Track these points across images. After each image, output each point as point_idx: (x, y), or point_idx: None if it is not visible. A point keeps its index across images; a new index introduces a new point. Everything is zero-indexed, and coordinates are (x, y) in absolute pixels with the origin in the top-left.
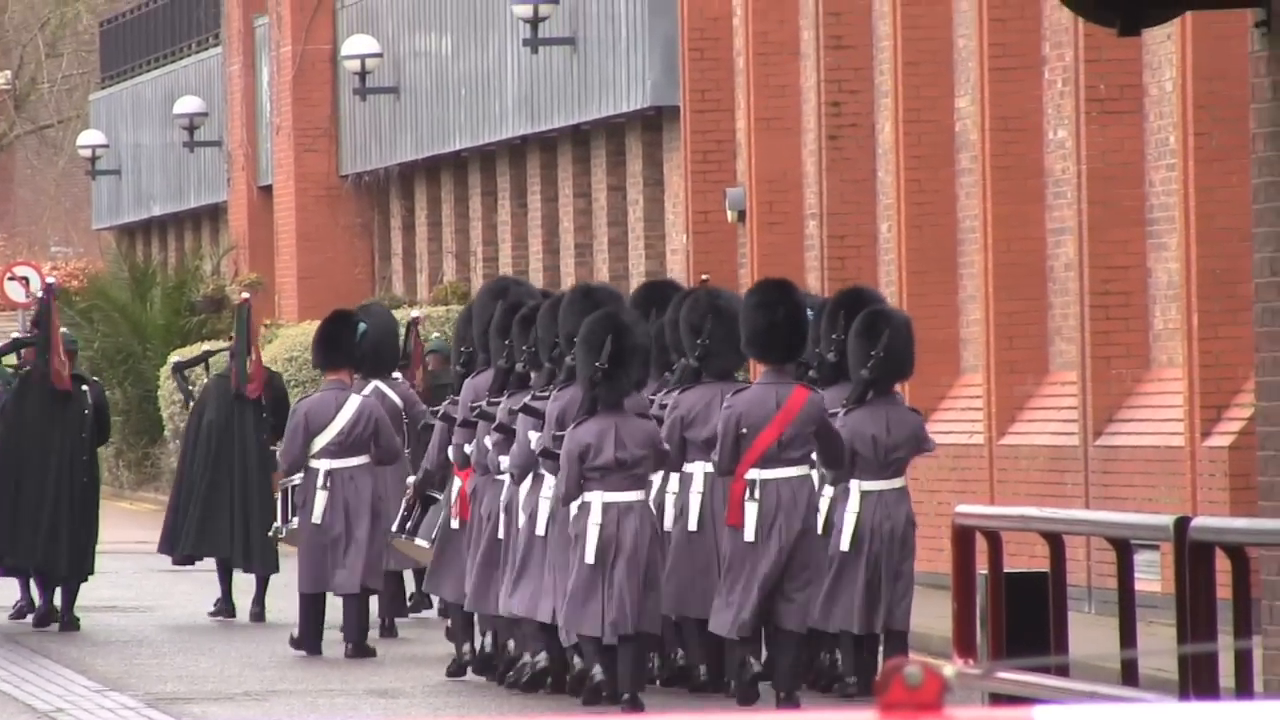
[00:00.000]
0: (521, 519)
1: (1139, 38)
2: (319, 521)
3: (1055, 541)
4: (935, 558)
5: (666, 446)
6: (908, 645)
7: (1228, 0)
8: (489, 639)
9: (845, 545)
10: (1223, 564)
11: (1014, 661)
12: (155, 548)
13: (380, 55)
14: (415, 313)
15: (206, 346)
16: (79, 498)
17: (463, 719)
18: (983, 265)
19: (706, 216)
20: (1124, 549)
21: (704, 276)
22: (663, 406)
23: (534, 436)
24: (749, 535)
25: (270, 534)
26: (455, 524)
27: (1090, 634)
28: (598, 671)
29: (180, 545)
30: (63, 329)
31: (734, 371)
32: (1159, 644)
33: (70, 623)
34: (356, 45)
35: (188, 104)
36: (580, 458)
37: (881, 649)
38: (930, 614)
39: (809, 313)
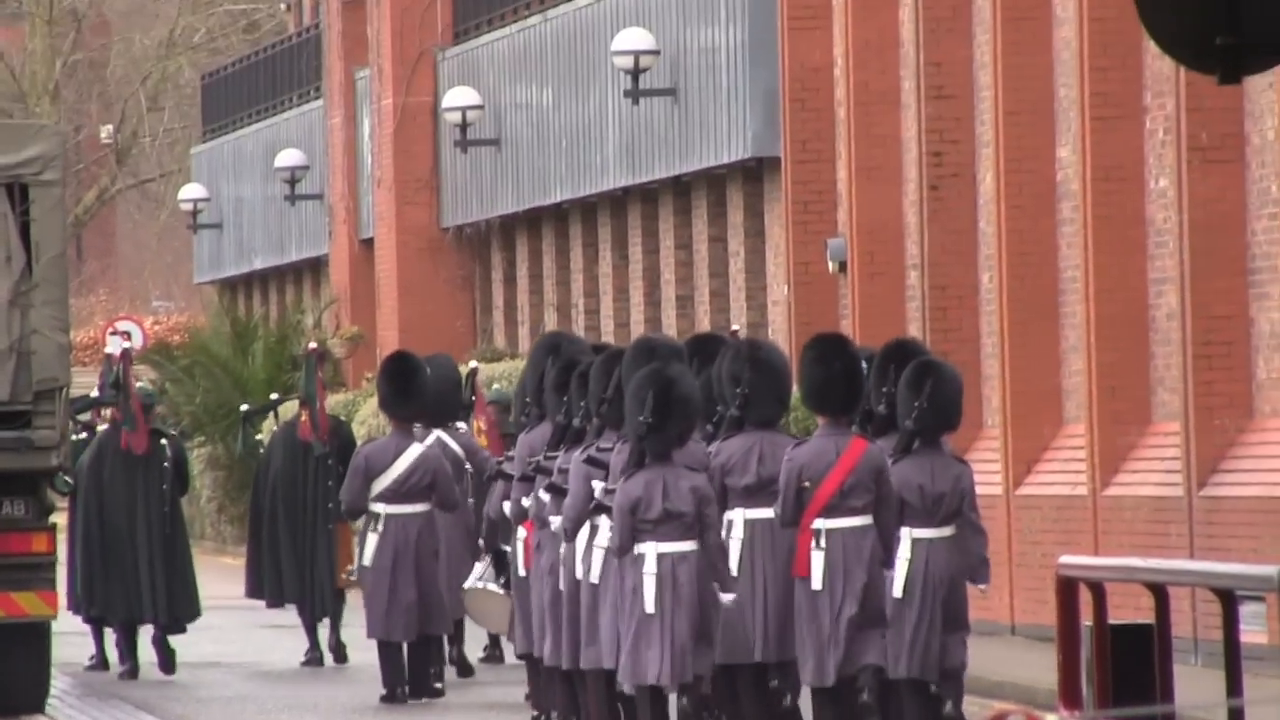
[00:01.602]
0: (579, 570)
1: (1240, 86)
2: (368, 565)
3: (1160, 592)
4: (1039, 609)
5: (711, 494)
6: (962, 685)
7: None
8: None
9: (898, 593)
10: None
11: (1120, 711)
12: (245, 593)
13: (481, 107)
14: (474, 363)
15: (274, 395)
16: (165, 549)
17: None
18: (1085, 315)
19: (808, 267)
20: (1229, 600)
21: (734, 328)
22: (708, 455)
23: (598, 486)
24: (816, 584)
25: (344, 576)
26: (523, 572)
27: (1196, 685)
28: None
29: (273, 592)
30: (139, 383)
31: (775, 421)
32: (1266, 695)
33: (168, 666)
34: (457, 97)
35: (289, 157)
36: (631, 511)
37: (934, 688)
38: (1036, 665)
39: (864, 366)
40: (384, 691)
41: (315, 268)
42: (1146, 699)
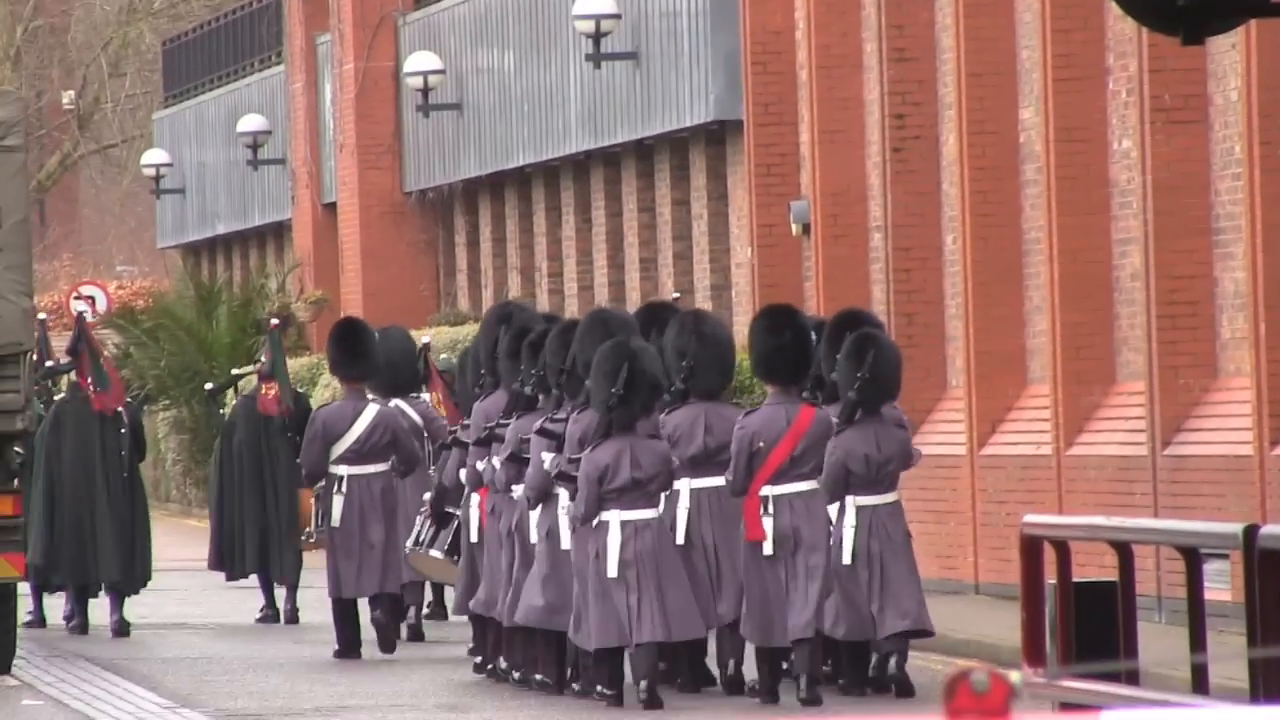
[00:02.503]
0: (534, 536)
1: (1203, 47)
2: (338, 525)
3: (1124, 551)
4: (1003, 569)
5: (676, 464)
6: (907, 644)
7: None
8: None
9: (847, 559)
10: None
11: (1083, 667)
12: (209, 565)
13: (443, 72)
14: (425, 338)
15: (235, 370)
16: (122, 514)
17: None
18: (1048, 276)
19: (771, 230)
20: (1193, 558)
21: (675, 295)
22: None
23: (548, 458)
24: (768, 549)
25: (303, 538)
26: (475, 537)
27: (1160, 643)
28: (606, 689)
29: (237, 565)
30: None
31: (719, 392)
32: (1229, 652)
33: (121, 629)
34: (419, 62)
35: (251, 122)
36: (599, 479)
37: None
38: (999, 624)
39: (813, 335)
40: (338, 648)
41: (278, 232)
42: (1111, 656)
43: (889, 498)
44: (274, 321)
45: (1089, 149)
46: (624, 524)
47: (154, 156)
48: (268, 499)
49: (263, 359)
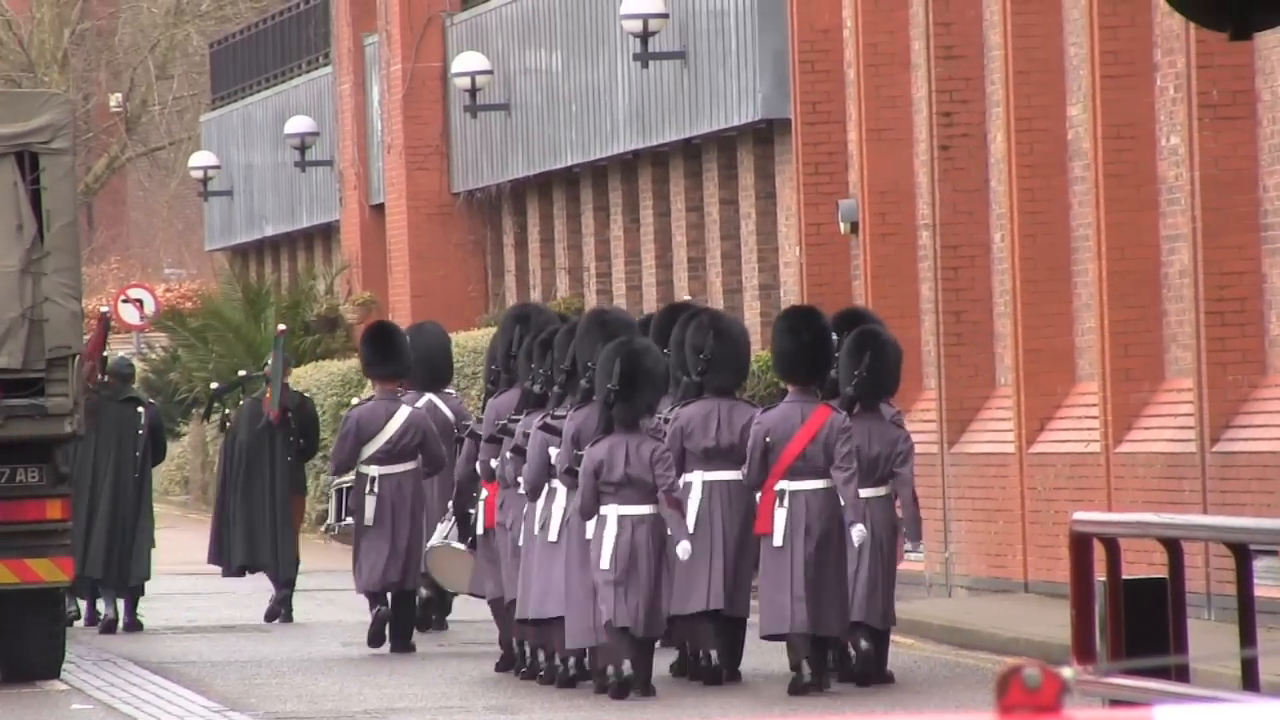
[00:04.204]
0: (536, 528)
1: (1251, 42)
2: (370, 524)
3: (1173, 547)
4: (1052, 567)
5: (664, 455)
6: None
7: None
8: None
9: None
10: None
11: (1133, 662)
12: (208, 559)
13: (490, 72)
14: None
15: (242, 372)
16: (131, 515)
17: None
18: (1097, 273)
19: (819, 229)
20: (1242, 554)
21: (686, 297)
22: (665, 420)
23: (553, 453)
24: (778, 541)
25: (324, 530)
26: (481, 530)
27: (1210, 640)
28: (625, 668)
29: (233, 559)
30: (120, 353)
31: (733, 389)
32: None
33: (108, 627)
34: (466, 63)
35: (298, 124)
36: (595, 473)
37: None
38: (1048, 622)
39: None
40: (370, 638)
41: (326, 234)
42: (1160, 654)
43: (879, 491)
44: (280, 327)
45: (1137, 145)
46: (620, 519)
47: (201, 159)
48: (266, 500)
49: (269, 363)
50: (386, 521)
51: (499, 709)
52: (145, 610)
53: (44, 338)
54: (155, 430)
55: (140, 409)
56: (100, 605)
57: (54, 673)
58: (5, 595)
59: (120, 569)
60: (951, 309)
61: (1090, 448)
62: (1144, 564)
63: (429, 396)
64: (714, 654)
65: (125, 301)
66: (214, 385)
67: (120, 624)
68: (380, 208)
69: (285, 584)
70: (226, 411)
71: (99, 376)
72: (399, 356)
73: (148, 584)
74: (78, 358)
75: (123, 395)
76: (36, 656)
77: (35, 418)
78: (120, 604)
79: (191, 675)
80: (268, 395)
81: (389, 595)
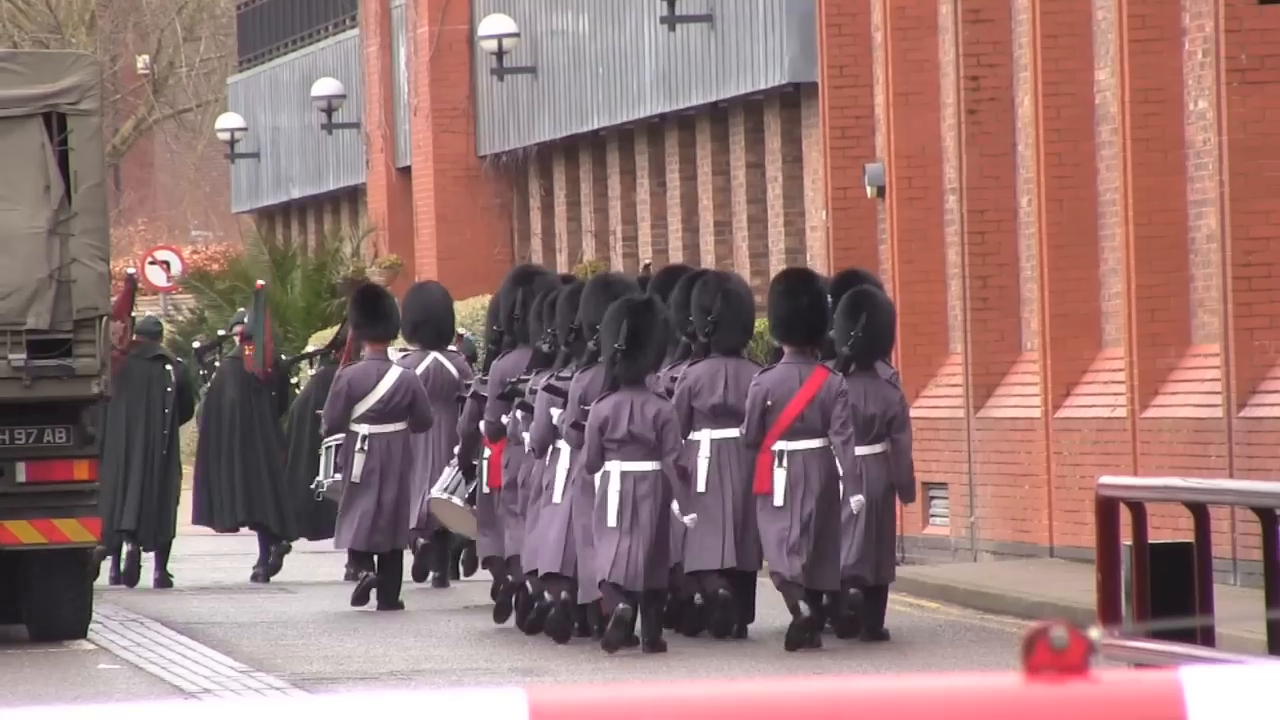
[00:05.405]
0: (541, 488)
1: (1279, 6)
2: (357, 481)
3: (1199, 512)
4: (1079, 531)
5: (671, 417)
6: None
7: None
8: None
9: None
10: None
11: (1160, 623)
12: (192, 520)
13: (517, 35)
14: None
15: (221, 331)
16: (160, 471)
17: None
18: (1124, 238)
19: (846, 193)
20: (1268, 519)
21: (646, 263)
22: (673, 379)
23: (555, 413)
24: (778, 500)
25: (312, 488)
26: (487, 490)
27: (1236, 605)
28: (625, 610)
29: (225, 517)
30: (148, 313)
31: (739, 349)
32: None
33: (164, 580)
34: (493, 25)
35: (325, 86)
36: (600, 429)
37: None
38: (1074, 587)
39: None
40: (354, 596)
41: (353, 196)
42: (1186, 618)
43: (875, 449)
44: (260, 283)
45: (1165, 110)
46: (624, 475)
47: (228, 121)
48: (255, 457)
49: (246, 319)
50: (374, 481)
51: (524, 670)
52: (171, 570)
53: (71, 299)
54: (183, 389)
55: (169, 366)
56: (123, 562)
57: (81, 633)
58: (33, 555)
59: (152, 524)
60: (978, 273)
61: (1116, 413)
62: (1170, 529)
63: (434, 355)
64: (725, 592)
65: (152, 263)
66: (195, 343)
67: (152, 579)
68: (407, 170)
69: (286, 539)
70: (202, 372)
71: (130, 337)
72: (388, 318)
73: (175, 544)
74: (105, 319)
75: (151, 353)
76: (64, 616)
77: (63, 379)
78: (151, 558)
79: (217, 636)
80: (246, 353)
81: (375, 556)
